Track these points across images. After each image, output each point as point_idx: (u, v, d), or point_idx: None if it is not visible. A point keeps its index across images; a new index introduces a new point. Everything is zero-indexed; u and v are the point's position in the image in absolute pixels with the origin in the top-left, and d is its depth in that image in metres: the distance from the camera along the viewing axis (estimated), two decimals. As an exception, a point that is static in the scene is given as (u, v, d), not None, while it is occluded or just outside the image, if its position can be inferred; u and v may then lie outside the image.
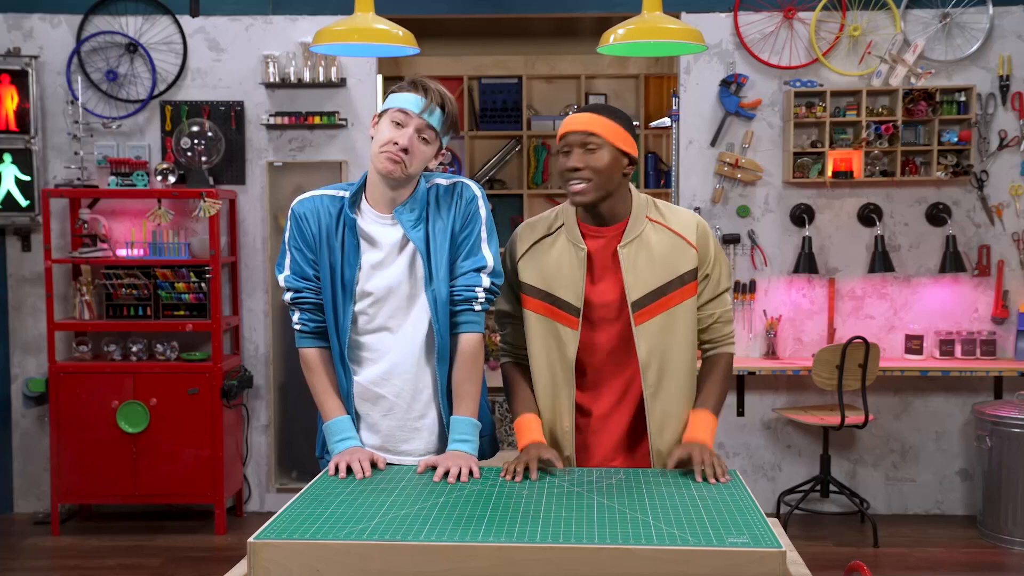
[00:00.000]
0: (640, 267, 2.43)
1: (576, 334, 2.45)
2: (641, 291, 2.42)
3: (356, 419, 2.56)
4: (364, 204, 2.51)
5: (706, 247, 2.48)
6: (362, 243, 2.48)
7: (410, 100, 2.43)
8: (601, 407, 2.51)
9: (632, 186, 2.53)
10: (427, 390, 2.52)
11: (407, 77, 2.52)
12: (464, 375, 2.49)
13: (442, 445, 2.54)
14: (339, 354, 2.51)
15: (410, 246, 2.47)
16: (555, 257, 2.48)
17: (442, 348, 2.48)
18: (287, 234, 2.53)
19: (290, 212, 2.53)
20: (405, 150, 2.40)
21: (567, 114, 6.70)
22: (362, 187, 2.52)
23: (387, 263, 2.47)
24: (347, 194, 2.50)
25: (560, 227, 2.51)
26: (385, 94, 2.57)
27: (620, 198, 2.46)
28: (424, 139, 2.44)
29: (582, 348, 2.48)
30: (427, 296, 2.47)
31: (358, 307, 2.49)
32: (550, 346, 2.49)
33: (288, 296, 2.53)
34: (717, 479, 2.29)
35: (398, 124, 2.43)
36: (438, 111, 2.45)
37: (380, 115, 2.49)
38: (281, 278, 2.53)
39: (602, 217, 2.46)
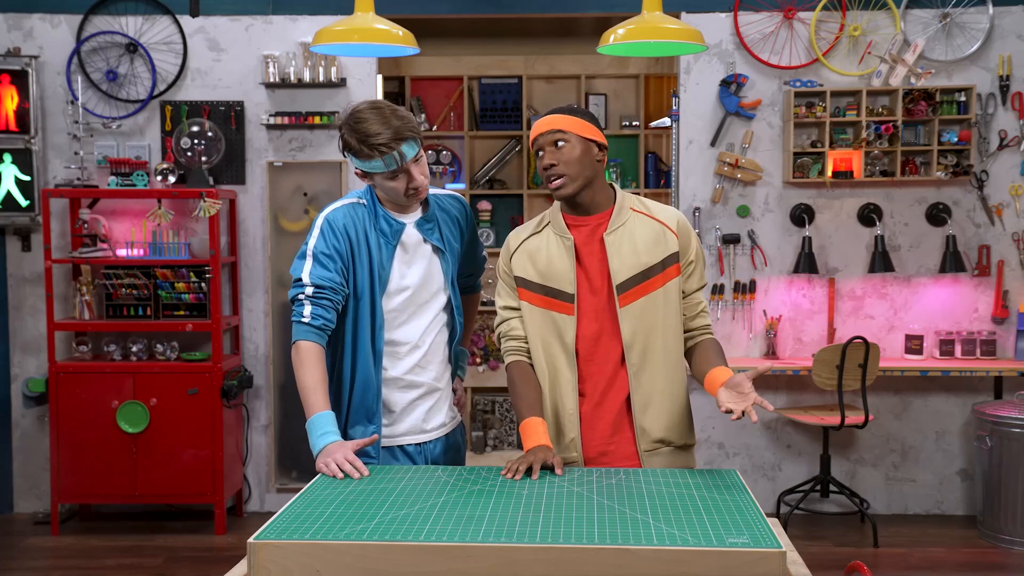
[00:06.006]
0: (624, 253, 2.56)
1: (573, 320, 2.57)
2: (625, 275, 2.55)
3: (383, 412, 2.72)
4: (382, 210, 2.71)
5: (687, 236, 2.63)
6: (392, 243, 2.69)
7: (396, 159, 2.57)
8: (596, 389, 2.59)
9: (615, 184, 2.69)
10: (448, 370, 2.84)
11: (362, 140, 2.58)
12: (473, 314, 3.09)
13: (451, 412, 2.86)
14: (371, 351, 2.67)
15: (428, 247, 2.74)
16: (544, 250, 2.62)
17: (458, 334, 2.83)
18: (313, 241, 2.66)
19: (322, 221, 2.67)
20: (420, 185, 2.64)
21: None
22: (374, 196, 2.71)
23: (414, 261, 2.72)
24: (366, 202, 2.70)
25: (547, 224, 2.65)
26: (351, 150, 2.64)
27: (599, 187, 2.60)
28: (418, 163, 2.63)
29: (577, 334, 2.58)
30: (449, 289, 2.77)
31: (393, 302, 2.69)
32: (549, 334, 2.60)
33: (310, 291, 2.61)
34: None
35: (399, 174, 2.60)
36: (412, 141, 2.59)
37: (369, 174, 2.65)
38: (305, 274, 2.62)
39: (584, 207, 2.59)
